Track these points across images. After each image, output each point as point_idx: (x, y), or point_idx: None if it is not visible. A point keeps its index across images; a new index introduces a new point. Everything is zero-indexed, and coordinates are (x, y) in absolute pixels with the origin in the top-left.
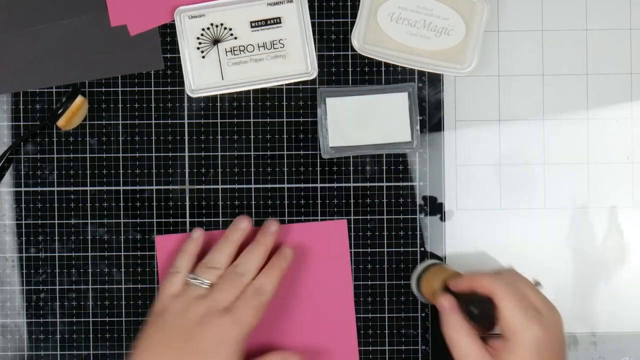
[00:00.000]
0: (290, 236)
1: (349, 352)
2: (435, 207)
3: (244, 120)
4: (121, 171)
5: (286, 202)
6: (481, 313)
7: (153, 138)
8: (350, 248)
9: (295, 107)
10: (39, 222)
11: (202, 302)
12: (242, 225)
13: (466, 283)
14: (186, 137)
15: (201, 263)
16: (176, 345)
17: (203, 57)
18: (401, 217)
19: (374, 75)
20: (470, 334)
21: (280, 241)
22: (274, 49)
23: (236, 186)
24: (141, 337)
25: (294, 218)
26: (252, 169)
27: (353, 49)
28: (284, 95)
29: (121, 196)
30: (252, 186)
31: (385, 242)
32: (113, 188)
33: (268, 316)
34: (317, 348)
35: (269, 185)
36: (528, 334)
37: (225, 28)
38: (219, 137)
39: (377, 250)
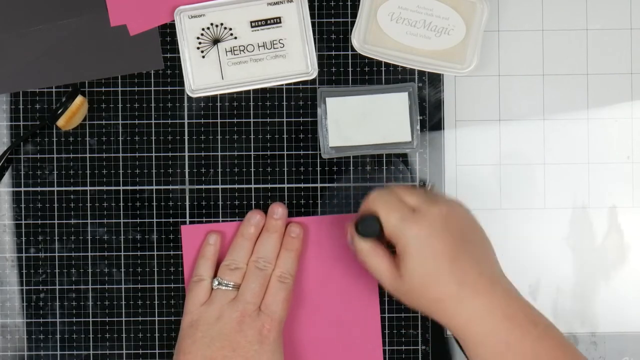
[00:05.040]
0: (318, 228)
1: (373, 339)
2: None
3: (244, 120)
4: (121, 171)
5: (286, 202)
6: (374, 231)
7: (153, 138)
8: None
9: (295, 107)
10: (39, 222)
11: (234, 306)
12: (255, 220)
13: (359, 211)
14: (186, 137)
15: (223, 266)
16: (221, 355)
17: (203, 57)
18: None
19: (374, 75)
20: (375, 253)
21: (309, 233)
22: (274, 48)
23: (236, 186)
24: (180, 352)
25: (294, 218)
26: (252, 169)
27: (353, 49)
28: (284, 95)
29: (121, 196)
30: (252, 186)
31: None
32: (113, 188)
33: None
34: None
35: (269, 185)
36: (408, 235)
37: (225, 28)
38: (219, 137)
39: None
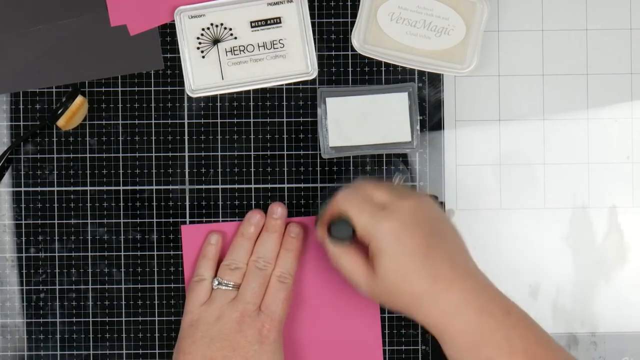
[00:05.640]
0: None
1: (373, 336)
2: None
3: (244, 120)
4: (121, 171)
5: (286, 202)
6: (346, 231)
7: (153, 138)
8: None
9: (295, 107)
10: (39, 222)
11: (234, 305)
12: (255, 219)
13: (328, 211)
14: (186, 137)
15: (223, 265)
16: (221, 354)
17: (203, 57)
18: None
19: (374, 75)
20: (348, 256)
21: (309, 234)
22: (274, 49)
23: (236, 186)
24: (180, 352)
25: (294, 218)
26: (252, 169)
27: (353, 49)
28: (284, 95)
29: (121, 196)
30: (252, 186)
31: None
32: (113, 188)
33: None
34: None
35: (269, 185)
36: (379, 232)
37: (225, 28)
38: (219, 137)
39: None
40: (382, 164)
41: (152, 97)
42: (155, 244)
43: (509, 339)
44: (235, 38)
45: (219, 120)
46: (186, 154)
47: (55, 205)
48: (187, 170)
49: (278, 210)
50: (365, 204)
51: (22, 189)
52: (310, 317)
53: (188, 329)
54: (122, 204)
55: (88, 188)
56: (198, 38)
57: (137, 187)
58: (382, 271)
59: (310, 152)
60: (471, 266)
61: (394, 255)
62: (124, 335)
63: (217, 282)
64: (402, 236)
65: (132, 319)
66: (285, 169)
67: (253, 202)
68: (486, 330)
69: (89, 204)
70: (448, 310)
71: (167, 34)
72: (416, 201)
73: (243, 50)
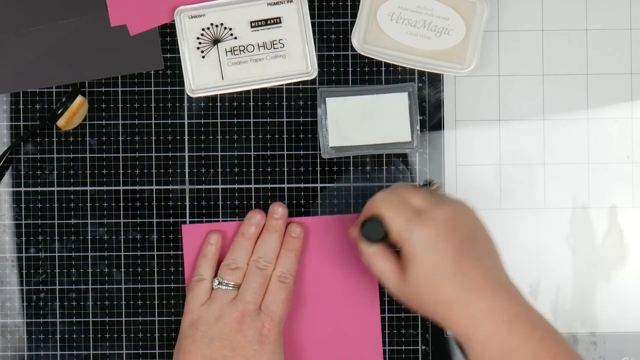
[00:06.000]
0: (317, 228)
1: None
2: None
3: (244, 120)
4: (121, 171)
5: (286, 202)
6: (378, 233)
7: (153, 138)
8: None
9: (295, 107)
10: (39, 222)
11: (234, 305)
12: (255, 220)
13: (364, 212)
14: (186, 137)
15: (223, 265)
16: (222, 354)
17: (203, 57)
18: None
19: (374, 75)
20: (380, 256)
21: (309, 234)
22: (274, 49)
23: (236, 186)
24: (180, 352)
25: (294, 218)
26: (252, 169)
27: (353, 49)
28: (284, 95)
29: (121, 196)
30: (252, 186)
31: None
32: (113, 188)
33: (292, 311)
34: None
35: (269, 185)
36: (413, 238)
37: (225, 28)
38: (219, 137)
39: None
40: (382, 164)
41: (152, 97)
42: (155, 244)
43: (535, 352)
44: (235, 38)
45: (219, 120)
46: (186, 154)
47: (55, 205)
48: (187, 170)
49: (279, 210)
50: (402, 208)
51: (22, 189)
52: (311, 318)
53: (188, 329)
54: (122, 204)
55: (88, 188)
56: (198, 38)
57: (137, 187)
58: (413, 276)
59: (310, 152)
60: (503, 276)
61: (426, 262)
62: (124, 335)
63: (217, 282)
64: (436, 244)
65: (132, 319)
66: (285, 169)
67: (253, 202)
68: (514, 341)
69: (89, 204)
70: (477, 319)
71: (167, 34)
72: (452, 208)
73: (243, 50)
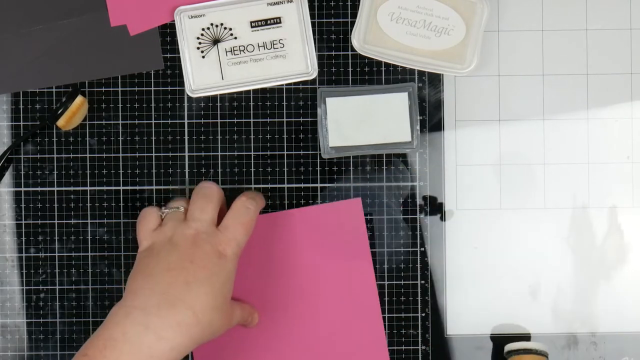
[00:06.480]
0: (305, 220)
1: (376, 338)
2: (435, 207)
3: (244, 120)
4: (121, 171)
5: (286, 202)
6: None
7: (153, 138)
8: None
9: (295, 107)
10: (39, 222)
11: (187, 224)
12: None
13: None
14: (186, 137)
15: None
16: (180, 266)
17: (203, 57)
18: (401, 217)
19: (374, 75)
20: None
21: (296, 226)
22: (274, 49)
23: (236, 186)
24: (138, 273)
25: (292, 209)
26: (252, 169)
27: (353, 49)
28: (284, 95)
29: (121, 196)
30: (252, 186)
31: (385, 242)
32: (113, 188)
33: (286, 300)
34: (341, 332)
35: (269, 185)
36: None
37: (225, 28)
38: (219, 137)
39: (377, 250)
40: (382, 164)
41: (152, 97)
42: None
43: None
44: (235, 38)
45: (219, 120)
46: (186, 154)
47: (55, 205)
48: (187, 170)
49: (206, 182)
50: None
51: (22, 189)
52: (311, 317)
53: (143, 254)
54: (122, 204)
55: (88, 188)
56: (198, 38)
57: (137, 187)
58: None
59: (310, 152)
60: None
61: None
62: None
63: (164, 210)
64: None
65: None
66: (285, 169)
67: None
68: None
69: (89, 204)
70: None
71: (167, 34)
72: None
73: (243, 50)
